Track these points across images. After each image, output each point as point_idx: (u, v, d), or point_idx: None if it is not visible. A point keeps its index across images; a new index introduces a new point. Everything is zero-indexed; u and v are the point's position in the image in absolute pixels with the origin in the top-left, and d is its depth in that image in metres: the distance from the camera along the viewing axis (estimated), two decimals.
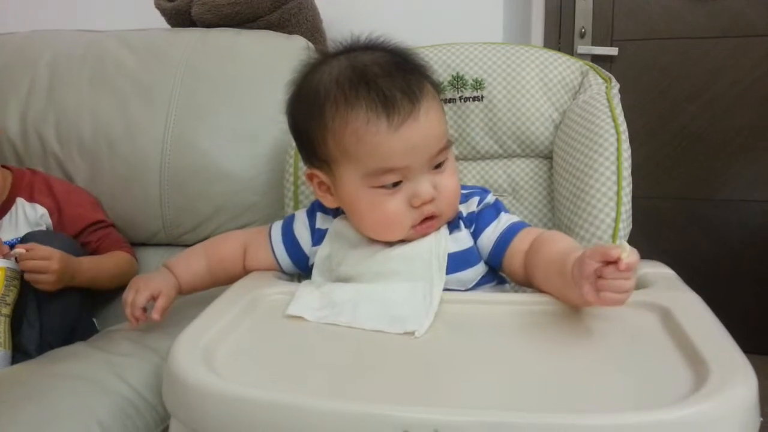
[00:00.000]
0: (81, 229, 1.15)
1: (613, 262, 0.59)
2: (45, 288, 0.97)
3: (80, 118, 1.25)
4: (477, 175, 1.06)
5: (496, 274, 0.82)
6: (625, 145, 0.89)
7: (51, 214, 1.14)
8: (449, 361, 0.62)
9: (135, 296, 0.81)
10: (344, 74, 0.74)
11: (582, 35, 2.05)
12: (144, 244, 1.28)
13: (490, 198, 0.82)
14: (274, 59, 1.26)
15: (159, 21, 1.48)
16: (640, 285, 0.80)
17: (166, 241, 1.27)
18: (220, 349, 0.64)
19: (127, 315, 0.82)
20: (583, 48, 2.03)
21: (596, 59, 2.02)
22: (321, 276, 0.82)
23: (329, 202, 0.81)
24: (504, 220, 0.79)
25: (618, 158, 0.88)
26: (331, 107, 0.73)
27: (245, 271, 0.89)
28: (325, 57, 0.80)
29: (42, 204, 1.15)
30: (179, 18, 1.42)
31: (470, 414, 0.49)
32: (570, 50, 2.04)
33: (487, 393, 0.55)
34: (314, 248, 0.85)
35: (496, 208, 0.81)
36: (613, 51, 2.01)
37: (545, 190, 1.02)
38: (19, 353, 0.95)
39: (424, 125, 0.72)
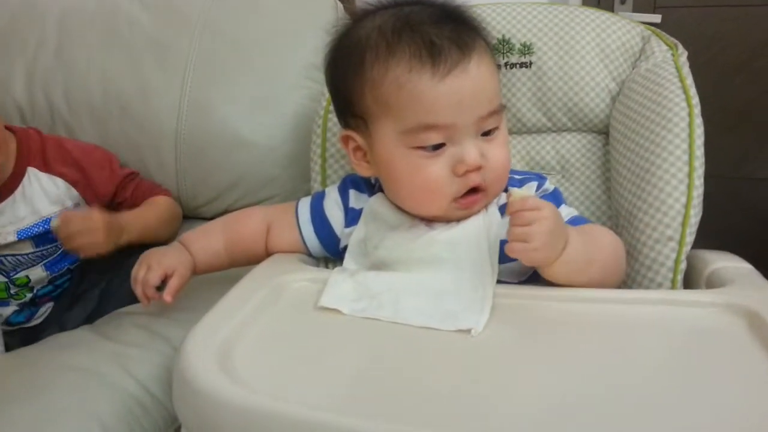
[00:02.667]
0: (113, 192, 1.05)
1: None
2: (97, 251, 0.89)
3: (90, 79, 1.16)
4: (522, 151, 0.96)
5: None
6: (698, 120, 0.78)
7: (75, 185, 1.01)
8: (511, 368, 0.53)
9: (147, 273, 0.74)
10: (388, 22, 0.67)
11: (623, 1, 1.91)
12: None
13: (548, 185, 0.74)
14: (299, 16, 1.16)
15: None
16: (715, 282, 0.71)
17: (184, 214, 1.19)
18: (237, 348, 0.56)
19: (138, 294, 0.74)
20: (623, 14, 1.89)
21: None
22: (354, 261, 0.73)
23: (364, 170, 0.73)
24: (564, 214, 0.70)
25: (690, 135, 0.77)
26: (371, 54, 0.67)
27: (267, 253, 0.80)
28: (367, 11, 0.71)
29: (62, 176, 1.00)
30: None
31: None
32: None
33: (557, 412, 0.46)
34: (347, 230, 0.77)
35: (556, 198, 0.73)
36: (656, 18, 1.86)
37: (599, 169, 0.91)
38: None
39: (475, 78, 0.65)
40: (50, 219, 0.97)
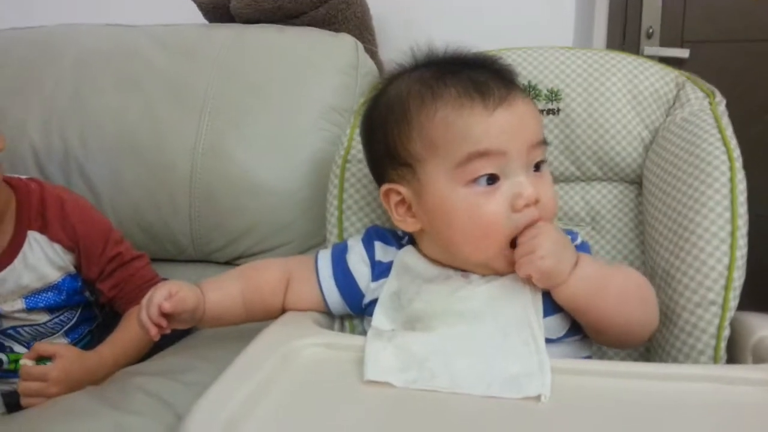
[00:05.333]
0: (96, 276, 0.95)
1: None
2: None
3: (105, 121, 1.13)
4: None
5: (580, 327, 0.68)
6: (740, 175, 0.73)
7: (71, 251, 0.94)
8: None
9: (152, 294, 0.68)
10: (426, 74, 0.68)
11: (649, 35, 1.88)
12: (173, 260, 1.17)
13: (578, 239, 0.71)
14: (318, 59, 1.13)
15: (196, 15, 1.37)
16: (763, 352, 0.65)
17: (196, 258, 1.15)
18: (244, 427, 0.51)
19: (143, 320, 0.67)
20: (650, 50, 1.86)
21: (664, 62, 1.85)
22: (386, 315, 0.68)
23: (409, 225, 0.70)
24: None
25: (732, 191, 0.72)
26: (416, 102, 0.67)
27: (285, 307, 0.76)
28: (398, 71, 0.73)
29: (60, 241, 0.93)
30: (217, 13, 1.31)
31: None
32: (635, 52, 1.88)
33: None
34: (374, 284, 0.73)
35: (582, 251, 0.68)
36: (683, 53, 1.83)
37: (632, 221, 0.87)
38: None
39: (522, 110, 0.65)
40: (59, 285, 0.94)
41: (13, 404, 0.82)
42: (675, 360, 0.70)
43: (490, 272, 0.67)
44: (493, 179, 0.64)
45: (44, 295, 0.94)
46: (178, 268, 1.15)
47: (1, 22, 1.36)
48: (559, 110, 0.89)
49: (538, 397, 0.53)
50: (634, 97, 0.87)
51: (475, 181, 0.64)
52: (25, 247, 0.91)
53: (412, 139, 0.66)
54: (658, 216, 0.79)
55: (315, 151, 1.08)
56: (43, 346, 0.84)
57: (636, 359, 0.80)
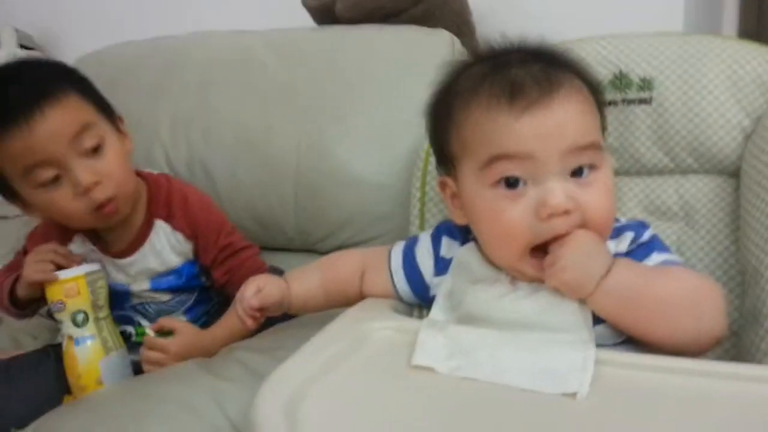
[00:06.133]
0: (210, 261, 1.05)
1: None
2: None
3: (224, 122, 1.25)
4: (640, 194, 0.88)
5: None
6: None
7: (190, 240, 1.04)
8: None
9: (242, 290, 0.79)
10: (478, 68, 0.67)
11: None
12: (284, 249, 1.26)
13: (646, 235, 0.66)
14: (414, 55, 1.17)
15: (308, 18, 1.45)
16: None
17: (301, 248, 1.24)
18: (308, 400, 0.55)
19: (239, 313, 0.79)
20: None
21: None
22: (443, 313, 0.71)
23: (459, 218, 0.72)
24: (654, 261, 0.64)
25: None
26: (457, 98, 0.67)
27: (362, 296, 0.81)
28: (466, 62, 0.72)
29: (182, 230, 1.03)
30: (325, 15, 1.38)
31: None
32: None
33: None
34: (436, 279, 0.75)
35: (649, 248, 0.65)
36: None
37: (728, 216, 0.82)
38: None
39: (558, 113, 0.61)
40: (179, 269, 1.05)
41: (137, 372, 0.94)
42: (760, 363, 0.67)
43: (529, 278, 0.65)
44: (515, 183, 0.62)
45: (167, 278, 1.05)
46: (286, 256, 1.23)
47: (146, 31, 1.53)
48: (651, 99, 0.86)
49: (574, 395, 0.52)
50: (734, 84, 0.82)
51: (498, 183, 0.62)
52: (152, 234, 1.02)
53: (452, 136, 0.68)
54: (751, 210, 0.74)
55: (410, 145, 1.11)
56: (166, 321, 0.97)
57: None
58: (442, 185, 0.73)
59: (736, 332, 0.75)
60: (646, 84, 0.86)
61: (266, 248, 1.26)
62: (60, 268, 0.93)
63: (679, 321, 0.59)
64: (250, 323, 0.79)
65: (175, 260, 1.04)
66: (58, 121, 0.86)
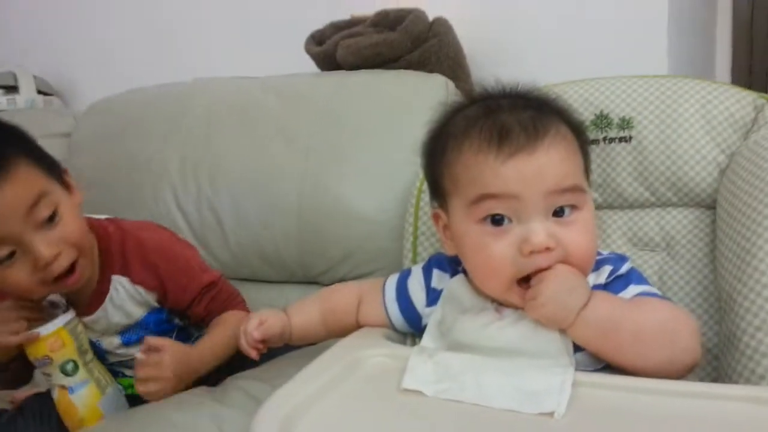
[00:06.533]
0: (187, 303, 1.00)
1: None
2: (163, 396, 0.85)
3: (229, 163, 1.31)
4: (624, 226, 0.93)
5: None
6: None
7: (153, 291, 0.98)
8: None
9: (245, 324, 0.82)
10: (472, 111, 0.71)
11: None
12: (285, 282, 1.31)
13: (624, 268, 0.70)
14: (411, 98, 1.23)
15: (312, 65, 1.52)
16: None
17: (303, 280, 1.28)
18: (302, 423, 0.59)
19: (243, 347, 0.82)
20: None
21: None
22: (433, 341, 0.75)
23: (450, 248, 0.76)
24: (630, 293, 0.67)
25: None
26: (450, 139, 0.71)
27: (359, 325, 0.85)
28: (461, 103, 0.76)
29: (142, 283, 0.97)
30: (327, 62, 1.45)
31: None
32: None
33: None
34: (427, 309, 0.79)
35: (626, 280, 0.69)
36: None
37: (707, 246, 0.86)
38: None
39: (541, 159, 0.65)
40: (144, 320, 1.00)
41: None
42: (737, 383, 0.70)
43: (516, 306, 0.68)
44: (500, 220, 0.65)
45: (135, 330, 1.00)
46: (287, 288, 1.29)
47: (154, 77, 1.61)
48: (631, 138, 0.91)
49: (551, 414, 0.56)
50: (708, 122, 0.87)
51: (485, 219, 0.66)
52: (111, 289, 0.96)
53: (444, 173, 0.72)
54: (725, 240, 0.78)
55: (407, 184, 1.16)
56: (153, 339, 0.90)
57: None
58: (436, 217, 0.78)
59: (717, 356, 0.78)
60: (625, 123, 0.92)
61: (270, 281, 1.31)
62: (31, 321, 0.89)
63: (653, 349, 0.62)
64: (254, 355, 0.83)
65: (138, 312, 0.99)
66: (9, 197, 0.80)
